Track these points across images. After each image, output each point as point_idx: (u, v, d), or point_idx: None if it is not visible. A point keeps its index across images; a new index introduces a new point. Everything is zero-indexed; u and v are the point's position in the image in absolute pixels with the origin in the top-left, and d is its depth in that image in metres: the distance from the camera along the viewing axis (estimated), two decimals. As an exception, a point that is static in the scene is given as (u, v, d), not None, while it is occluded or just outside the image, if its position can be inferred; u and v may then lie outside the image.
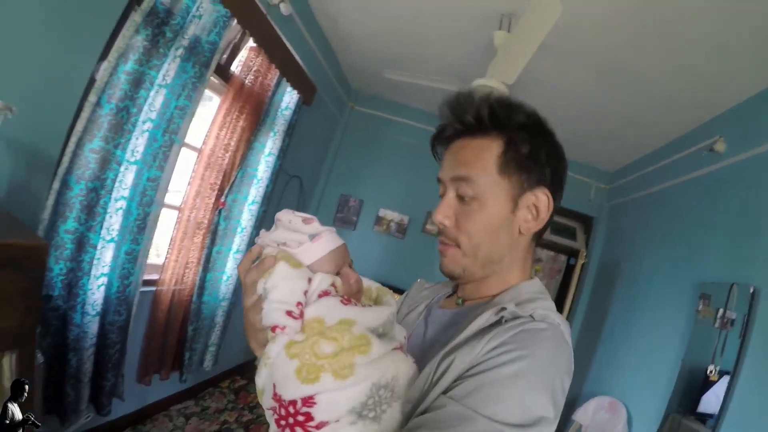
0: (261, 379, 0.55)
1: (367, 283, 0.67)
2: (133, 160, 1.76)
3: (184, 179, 2.33)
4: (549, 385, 0.51)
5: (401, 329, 0.64)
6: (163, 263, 2.29)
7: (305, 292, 0.56)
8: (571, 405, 2.85)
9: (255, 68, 2.41)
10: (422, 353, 0.65)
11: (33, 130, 1.36)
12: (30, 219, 1.41)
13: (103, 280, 1.75)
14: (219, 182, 2.42)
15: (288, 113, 2.90)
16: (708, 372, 1.66)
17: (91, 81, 1.51)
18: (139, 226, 1.86)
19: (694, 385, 1.75)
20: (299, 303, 0.54)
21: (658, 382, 2.09)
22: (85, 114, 1.49)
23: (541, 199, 0.65)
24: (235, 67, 2.40)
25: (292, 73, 2.74)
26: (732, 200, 2.05)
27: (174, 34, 1.71)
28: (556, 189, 0.67)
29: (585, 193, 3.79)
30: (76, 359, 1.67)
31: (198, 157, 2.35)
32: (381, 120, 4.07)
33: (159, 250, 2.45)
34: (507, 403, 0.48)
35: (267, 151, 2.83)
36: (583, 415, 2.54)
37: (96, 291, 1.71)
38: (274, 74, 2.59)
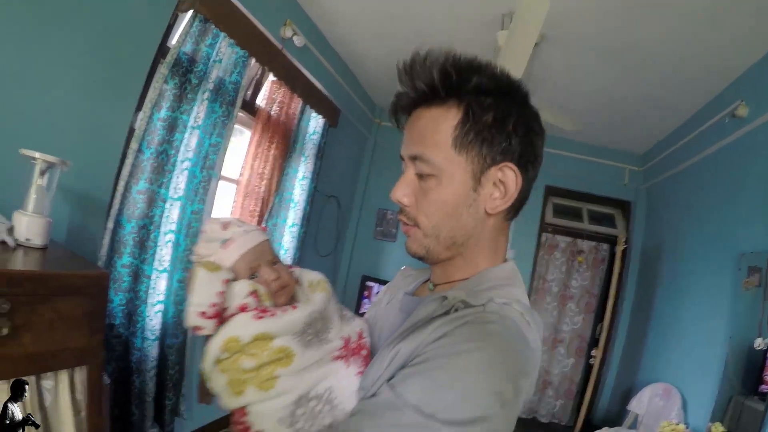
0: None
1: (312, 275, 0.69)
2: (176, 196, 1.93)
3: (226, 210, 2.52)
4: (487, 384, 0.45)
5: (356, 323, 0.65)
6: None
7: (220, 293, 0.58)
8: (626, 396, 2.75)
9: (279, 99, 2.58)
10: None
11: (85, 178, 1.55)
12: (90, 257, 1.59)
13: (160, 307, 1.92)
14: (258, 209, 2.58)
15: (316, 137, 3.05)
16: (756, 346, 1.56)
17: (131, 130, 1.71)
18: (188, 256, 2.03)
19: (754, 363, 1.65)
20: (213, 304, 0.57)
21: (709, 363, 1.99)
22: (129, 160, 1.68)
23: (507, 174, 0.57)
24: (260, 100, 2.58)
25: (314, 99, 2.89)
26: (763, 164, 1.93)
27: (199, 80, 1.89)
28: (528, 161, 0.58)
29: (619, 178, 3.69)
30: (140, 381, 1.83)
31: (237, 187, 2.53)
32: (407, 132, 4.14)
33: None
34: (438, 397, 0.44)
35: (300, 175, 2.98)
36: (638, 404, 2.43)
37: (153, 317, 1.89)
38: (298, 102, 2.74)
